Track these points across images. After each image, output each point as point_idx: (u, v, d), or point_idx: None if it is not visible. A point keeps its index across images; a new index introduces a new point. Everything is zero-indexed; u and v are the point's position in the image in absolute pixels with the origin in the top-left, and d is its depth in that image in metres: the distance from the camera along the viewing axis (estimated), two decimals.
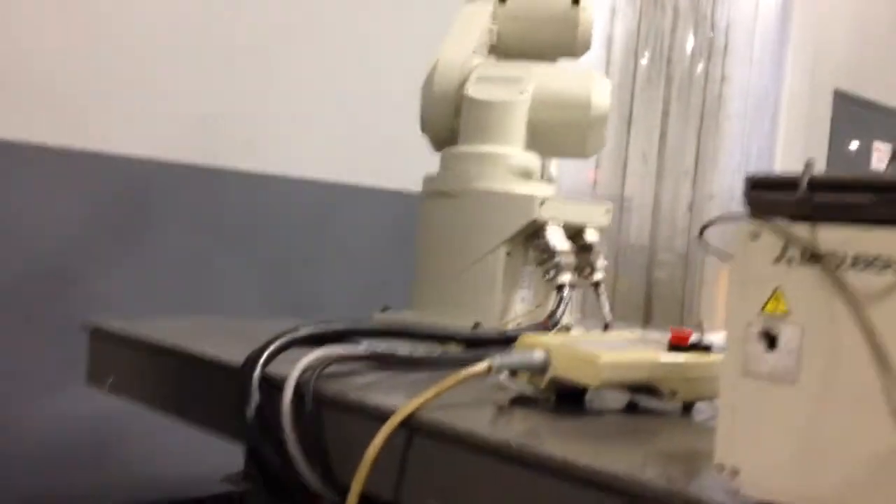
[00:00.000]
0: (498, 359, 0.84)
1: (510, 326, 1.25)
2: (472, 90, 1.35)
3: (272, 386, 0.87)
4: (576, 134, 1.38)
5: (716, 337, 0.85)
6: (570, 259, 1.27)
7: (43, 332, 1.96)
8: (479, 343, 1.13)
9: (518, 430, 0.82)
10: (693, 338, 0.92)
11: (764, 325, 0.59)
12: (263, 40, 2.37)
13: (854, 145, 4.91)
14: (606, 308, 1.35)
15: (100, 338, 1.15)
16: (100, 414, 1.95)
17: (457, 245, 1.30)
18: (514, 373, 0.88)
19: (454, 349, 1.12)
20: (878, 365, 0.54)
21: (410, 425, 0.77)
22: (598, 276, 1.34)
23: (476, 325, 1.22)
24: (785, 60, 4.16)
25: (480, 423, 0.79)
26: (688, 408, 0.90)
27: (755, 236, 0.60)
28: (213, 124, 2.29)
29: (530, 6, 1.47)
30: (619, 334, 1.09)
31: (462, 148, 1.35)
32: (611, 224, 1.37)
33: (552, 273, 1.25)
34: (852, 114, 4.84)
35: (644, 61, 3.68)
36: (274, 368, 0.89)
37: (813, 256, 0.57)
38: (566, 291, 1.24)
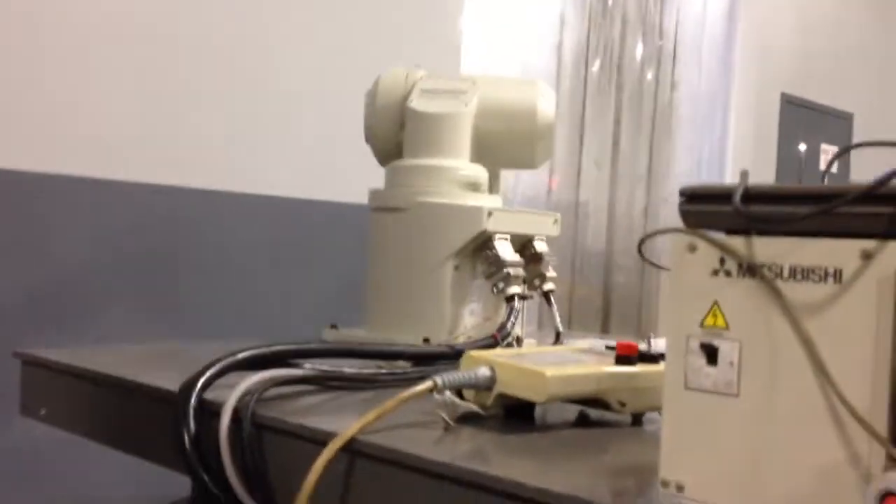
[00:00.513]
0: (441, 377, 0.83)
1: (461, 340, 1.23)
2: (416, 103, 1.33)
3: (210, 412, 0.84)
4: (523, 144, 1.38)
5: (664, 346, 0.84)
6: (519, 270, 1.26)
7: None
8: (428, 358, 1.12)
9: (464, 450, 0.80)
10: (641, 347, 0.91)
11: (703, 339, 0.59)
12: (227, 54, 2.35)
13: (802, 148, 4.99)
14: (557, 319, 1.35)
15: (32, 367, 1.12)
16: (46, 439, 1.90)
17: (404, 259, 1.28)
18: (459, 392, 0.86)
19: (403, 365, 1.10)
20: (819, 376, 0.53)
21: (352, 449, 0.75)
22: (548, 286, 1.34)
23: (426, 340, 1.21)
24: (733, 66, 4.22)
25: (425, 444, 0.77)
26: (637, 418, 0.90)
27: (692, 249, 0.59)
28: (150, 143, 2.28)
29: None
30: (568, 346, 1.08)
31: (407, 161, 1.34)
32: (567, 230, 1.36)
33: (501, 285, 1.24)
34: (800, 117, 4.93)
35: (595, 69, 3.70)
36: (213, 394, 0.86)
37: (750, 269, 0.56)
38: (516, 303, 1.23)
